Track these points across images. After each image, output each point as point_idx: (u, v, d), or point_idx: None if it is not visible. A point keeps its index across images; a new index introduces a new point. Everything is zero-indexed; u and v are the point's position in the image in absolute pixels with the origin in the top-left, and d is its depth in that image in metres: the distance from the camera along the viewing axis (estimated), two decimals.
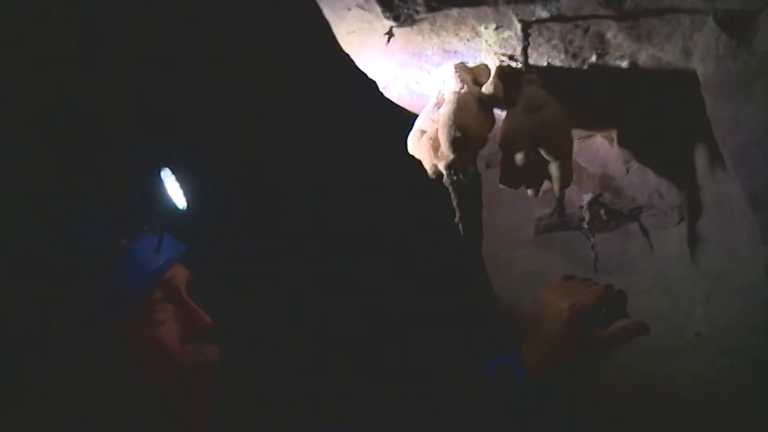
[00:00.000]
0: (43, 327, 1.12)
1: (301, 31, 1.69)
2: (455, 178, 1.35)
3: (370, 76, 1.52)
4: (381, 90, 1.55)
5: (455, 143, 1.31)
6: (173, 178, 1.36)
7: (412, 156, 1.45)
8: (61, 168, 1.34)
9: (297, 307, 1.87)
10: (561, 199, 1.40)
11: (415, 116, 1.62)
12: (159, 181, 1.33)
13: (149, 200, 1.30)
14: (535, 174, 1.40)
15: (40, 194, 1.28)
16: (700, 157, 1.40)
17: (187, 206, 1.37)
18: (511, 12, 1.24)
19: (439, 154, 1.39)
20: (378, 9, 1.30)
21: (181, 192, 1.37)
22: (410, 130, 1.47)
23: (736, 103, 1.08)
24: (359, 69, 1.51)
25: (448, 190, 1.42)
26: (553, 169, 1.39)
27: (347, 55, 1.48)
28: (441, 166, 1.39)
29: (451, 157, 1.34)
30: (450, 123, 1.32)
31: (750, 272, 1.22)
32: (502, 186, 1.43)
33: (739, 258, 1.24)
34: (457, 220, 1.42)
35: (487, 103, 1.38)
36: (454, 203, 1.42)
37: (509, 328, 1.82)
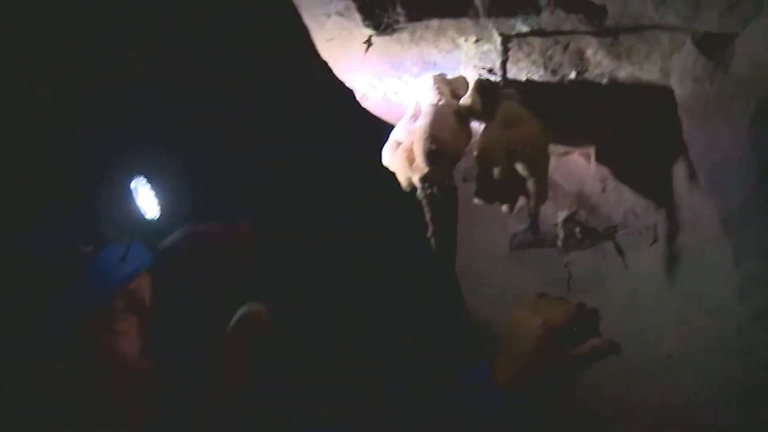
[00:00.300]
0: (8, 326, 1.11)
1: (280, 38, 1.67)
2: (429, 191, 1.34)
3: (348, 84, 1.51)
4: (358, 99, 1.54)
5: (431, 156, 1.30)
6: (148, 187, 1.36)
7: (387, 167, 1.45)
8: (29, 172, 1.32)
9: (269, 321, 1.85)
10: (536, 216, 1.39)
11: (391, 127, 1.63)
12: (130, 190, 1.32)
13: (119, 209, 1.30)
14: (510, 190, 1.39)
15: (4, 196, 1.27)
16: (677, 177, 1.40)
17: (160, 216, 1.37)
18: (491, 25, 1.24)
19: (413, 166, 1.38)
20: (358, 17, 1.29)
21: (155, 201, 1.37)
22: (385, 141, 1.47)
23: (712, 125, 1.08)
24: (336, 77, 1.50)
25: (421, 203, 1.41)
26: (529, 185, 1.38)
27: (325, 62, 1.47)
28: (415, 179, 1.38)
29: (426, 170, 1.32)
30: (426, 135, 1.30)
31: (722, 294, 1.21)
32: (477, 201, 1.42)
33: (712, 280, 1.24)
34: (429, 234, 1.41)
35: (464, 116, 1.37)
36: (427, 217, 1.40)
37: (481, 344, 1.81)
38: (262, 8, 1.66)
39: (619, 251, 1.64)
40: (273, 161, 1.90)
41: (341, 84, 1.50)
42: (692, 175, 1.32)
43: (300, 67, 1.60)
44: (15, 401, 1.11)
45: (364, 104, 1.55)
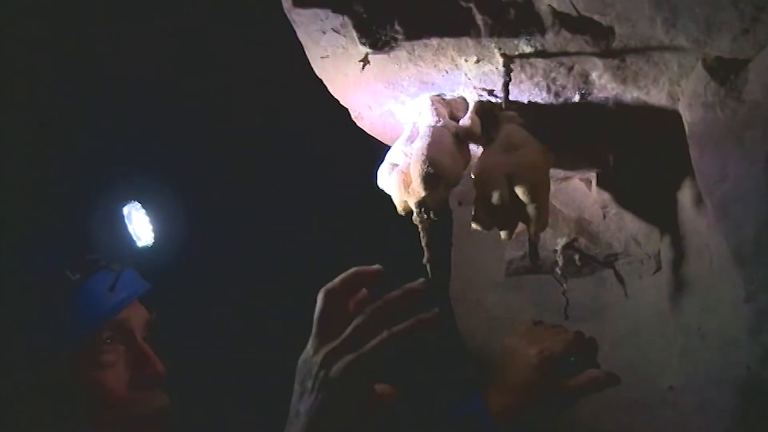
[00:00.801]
0: None
1: (273, 54, 1.63)
2: (426, 216, 1.29)
3: (343, 103, 1.47)
4: (353, 118, 1.50)
5: (428, 179, 1.25)
6: (143, 212, 1.32)
7: (381, 190, 1.40)
8: (14, 193, 1.28)
9: (265, 351, 1.81)
10: (536, 243, 1.35)
11: (385, 148, 1.58)
12: (122, 216, 1.28)
13: (111, 234, 1.25)
14: (509, 216, 1.35)
15: None
16: (683, 205, 1.36)
17: (155, 242, 1.33)
18: (493, 45, 1.20)
19: (409, 189, 1.33)
20: (354, 34, 1.24)
21: (149, 227, 1.33)
22: (380, 163, 1.42)
23: (724, 153, 1.04)
24: (331, 96, 1.45)
25: (416, 227, 1.37)
26: (529, 211, 1.34)
27: (319, 80, 1.43)
28: (411, 203, 1.33)
29: (423, 193, 1.27)
30: (423, 158, 1.26)
31: (731, 329, 1.17)
32: (474, 227, 1.37)
33: (720, 313, 1.20)
34: (425, 260, 1.36)
35: (463, 139, 1.33)
36: (423, 242, 1.35)
37: (475, 373, 1.76)
38: (256, 26, 1.63)
39: (620, 280, 1.60)
40: (266, 183, 1.87)
41: (335, 103, 1.46)
42: (699, 203, 1.28)
43: (294, 87, 1.56)
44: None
45: (359, 124, 1.50)
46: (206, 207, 1.75)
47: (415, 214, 1.33)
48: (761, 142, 0.99)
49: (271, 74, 1.76)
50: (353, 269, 1.00)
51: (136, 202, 1.31)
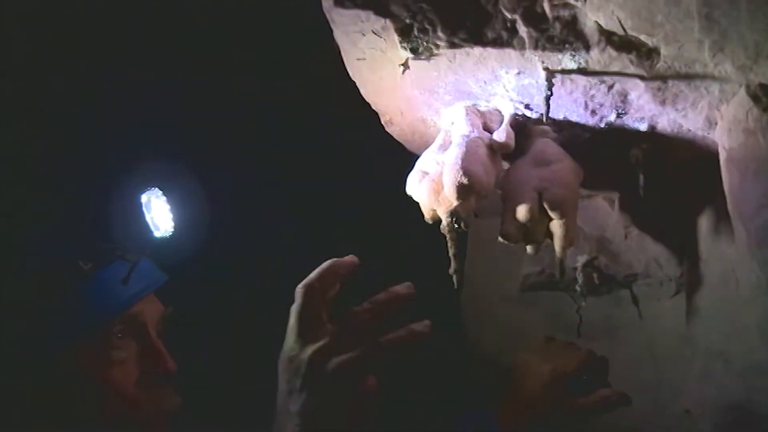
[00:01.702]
0: None
1: (307, 53, 1.64)
2: (456, 226, 1.30)
3: (374, 107, 1.47)
4: (383, 123, 1.51)
5: (461, 189, 1.26)
6: (163, 200, 1.28)
7: (409, 197, 1.40)
8: (28, 178, 1.25)
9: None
10: (563, 260, 1.36)
11: (410, 155, 1.59)
12: (140, 204, 1.23)
13: (128, 223, 1.21)
14: (537, 230, 1.37)
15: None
16: (707, 230, 1.38)
17: (174, 232, 1.29)
18: (536, 58, 1.21)
19: (440, 198, 1.34)
20: (395, 38, 1.26)
21: (170, 216, 1.29)
22: (408, 170, 1.43)
23: (766, 180, 1.07)
24: (363, 98, 1.46)
25: (444, 237, 1.37)
26: (556, 227, 1.36)
27: (353, 82, 1.44)
28: (441, 212, 1.35)
29: (455, 203, 1.29)
30: (457, 168, 1.27)
31: (755, 355, 1.19)
32: (501, 240, 1.39)
33: (746, 339, 1.22)
34: (451, 271, 1.37)
35: (496, 151, 1.35)
36: (450, 252, 1.37)
37: (485, 385, 1.77)
38: (292, 22, 1.63)
39: (635, 301, 1.62)
40: (289, 180, 1.86)
41: (367, 106, 1.47)
42: (724, 227, 1.30)
43: (325, 86, 1.57)
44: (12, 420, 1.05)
45: (388, 129, 1.51)
46: (230, 197, 1.73)
47: (444, 222, 1.34)
48: None
49: (302, 68, 1.77)
50: (329, 262, 0.96)
51: (158, 190, 1.27)
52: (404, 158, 1.56)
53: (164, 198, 1.27)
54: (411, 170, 1.38)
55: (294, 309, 0.92)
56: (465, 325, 1.87)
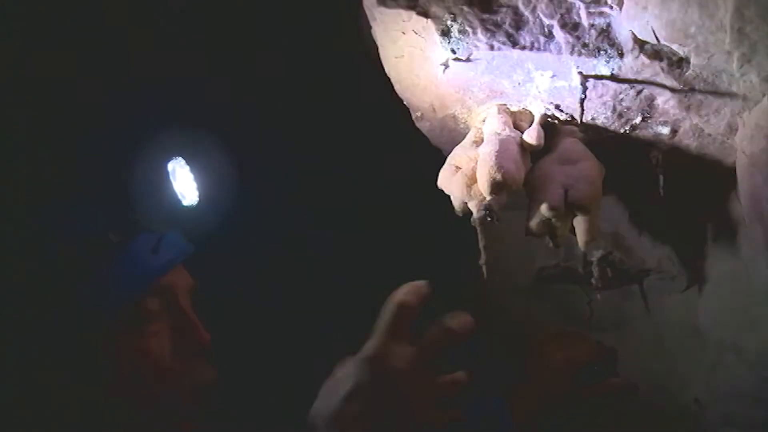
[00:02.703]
0: (22, 324, 1.04)
1: (343, 45, 1.70)
2: (489, 219, 1.39)
3: (406, 103, 1.56)
4: (413, 119, 1.59)
5: (496, 185, 1.35)
6: (187, 169, 1.26)
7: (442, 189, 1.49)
8: (55, 153, 1.21)
9: (302, 324, 1.85)
10: (586, 253, 1.46)
11: (436, 151, 1.68)
12: (167, 173, 1.22)
13: (154, 193, 1.19)
14: (561, 225, 1.46)
15: (27, 180, 1.16)
16: (720, 228, 1.49)
17: (199, 202, 1.27)
18: (572, 63, 1.31)
19: (472, 192, 1.43)
20: (437, 39, 1.34)
21: (194, 185, 1.27)
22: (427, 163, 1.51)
23: None
24: (396, 94, 1.54)
25: (474, 228, 1.46)
26: (580, 222, 1.45)
27: (388, 78, 1.52)
28: (472, 205, 1.43)
29: (489, 198, 1.38)
30: (492, 164, 1.35)
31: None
32: (527, 234, 1.48)
33: (757, 332, 1.33)
34: (482, 261, 1.46)
35: (526, 149, 1.44)
36: (481, 244, 1.46)
37: (497, 373, 1.86)
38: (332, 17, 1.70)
39: (643, 294, 1.72)
40: (316, 163, 1.92)
41: (399, 101, 1.55)
42: (738, 227, 1.41)
43: (360, 79, 1.64)
44: (33, 403, 1.05)
45: (418, 124, 1.59)
46: (254, 168, 1.76)
47: (475, 215, 1.43)
48: None
49: (338, 59, 1.84)
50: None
51: (181, 159, 1.25)
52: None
53: (188, 167, 1.26)
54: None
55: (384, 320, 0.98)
56: (479, 315, 1.96)
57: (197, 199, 1.28)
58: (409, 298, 1.00)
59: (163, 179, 1.22)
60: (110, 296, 1.08)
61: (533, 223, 1.47)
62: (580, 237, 1.45)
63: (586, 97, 1.33)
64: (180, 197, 1.25)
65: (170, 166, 1.24)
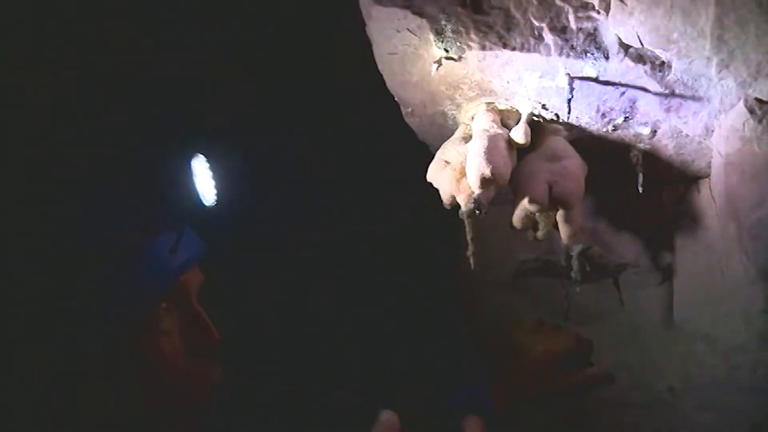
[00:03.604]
0: (43, 324, 1.04)
1: (338, 41, 1.77)
2: (478, 212, 1.47)
3: (398, 99, 1.63)
4: (403, 114, 1.66)
5: (484, 179, 1.43)
6: (207, 167, 1.27)
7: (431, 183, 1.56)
8: (78, 151, 1.21)
9: (304, 317, 1.91)
10: (569, 247, 1.55)
11: (422, 146, 1.76)
12: (189, 171, 1.23)
13: (176, 192, 1.20)
14: (545, 219, 1.55)
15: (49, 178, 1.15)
16: (695, 224, 1.58)
17: (217, 201, 1.28)
18: (561, 64, 1.39)
19: (461, 186, 1.51)
20: (430, 37, 1.41)
21: (212, 184, 1.28)
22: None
23: (763, 182, 1.27)
24: (387, 90, 1.61)
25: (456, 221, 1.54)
26: (564, 217, 1.54)
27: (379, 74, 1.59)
28: (460, 198, 1.51)
29: (478, 191, 1.46)
30: (481, 159, 1.43)
31: (740, 337, 1.41)
32: (512, 227, 1.57)
33: (731, 324, 1.43)
34: (469, 253, 1.54)
35: (513, 146, 1.52)
36: (469, 237, 1.54)
37: (478, 363, 1.93)
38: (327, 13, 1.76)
39: (617, 287, 1.82)
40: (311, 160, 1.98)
41: (390, 97, 1.62)
42: (716, 226, 1.51)
43: (352, 74, 1.70)
44: (48, 403, 1.06)
45: (408, 119, 1.67)
46: (272, 166, 1.80)
47: (463, 207, 1.50)
48: None
49: (334, 54, 1.91)
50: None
51: (202, 156, 1.26)
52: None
53: (208, 165, 1.27)
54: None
55: None
56: (460, 307, 2.04)
57: (215, 198, 1.29)
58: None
59: (185, 176, 1.22)
60: (135, 296, 1.08)
61: (518, 217, 1.56)
62: (563, 231, 1.54)
63: (573, 97, 1.41)
64: (200, 195, 1.26)
65: (193, 163, 1.25)
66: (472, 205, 1.46)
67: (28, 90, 1.35)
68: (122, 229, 1.10)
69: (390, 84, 1.59)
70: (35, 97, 1.34)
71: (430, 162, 1.57)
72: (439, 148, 1.60)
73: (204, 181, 1.27)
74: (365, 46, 1.55)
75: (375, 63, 1.56)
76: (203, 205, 1.26)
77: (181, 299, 1.16)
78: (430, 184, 1.59)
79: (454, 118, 1.61)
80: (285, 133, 1.96)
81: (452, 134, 1.61)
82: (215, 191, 1.29)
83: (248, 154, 1.54)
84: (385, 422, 1.02)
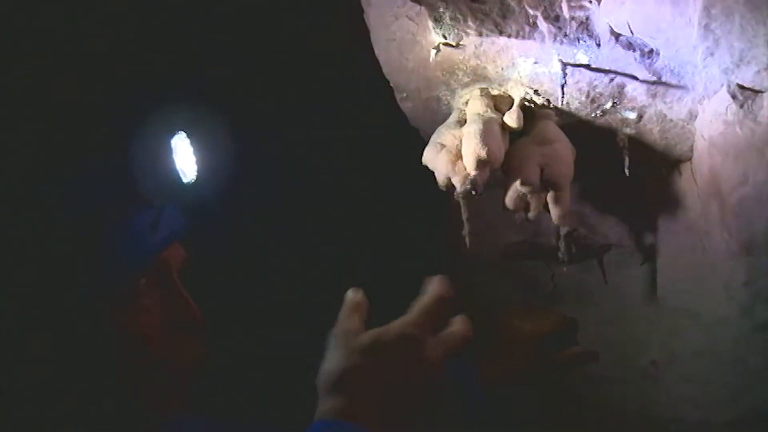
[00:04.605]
0: (20, 296, 1.05)
1: (337, 25, 1.84)
2: (474, 193, 1.56)
3: (393, 84, 1.71)
4: (398, 99, 1.74)
5: (480, 161, 1.52)
6: (187, 143, 1.27)
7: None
8: (55, 126, 1.18)
9: (289, 297, 1.97)
10: (559, 227, 1.66)
11: (414, 131, 1.85)
12: (170, 148, 1.23)
13: (157, 167, 1.20)
14: (536, 200, 1.65)
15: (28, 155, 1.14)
16: (677, 205, 1.70)
17: (198, 178, 1.27)
18: (554, 51, 1.49)
19: (456, 168, 1.60)
20: (429, 24, 1.50)
21: (193, 160, 1.28)
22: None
23: (745, 162, 1.39)
24: (383, 75, 1.70)
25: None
26: (553, 198, 1.64)
27: (376, 60, 1.67)
28: (456, 180, 1.60)
29: (473, 173, 1.55)
30: (477, 141, 1.52)
31: (722, 311, 1.52)
32: (504, 209, 1.66)
33: (713, 298, 1.54)
34: (465, 232, 1.63)
35: (506, 129, 1.61)
36: (464, 216, 1.63)
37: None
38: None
39: (602, 268, 1.93)
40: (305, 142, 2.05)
41: (386, 82, 1.70)
42: (697, 205, 1.62)
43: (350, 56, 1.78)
44: (28, 377, 1.07)
45: (402, 104, 1.75)
46: (254, 142, 1.86)
47: (458, 188, 1.58)
48: None
49: (331, 37, 1.98)
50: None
51: (183, 133, 1.26)
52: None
53: (188, 142, 1.27)
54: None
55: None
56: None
57: (196, 175, 1.28)
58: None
59: (165, 153, 1.22)
60: (110, 273, 1.10)
61: (510, 198, 1.66)
62: (554, 212, 1.64)
63: (565, 82, 1.51)
64: (180, 173, 1.25)
65: (173, 140, 1.25)
66: (468, 186, 1.55)
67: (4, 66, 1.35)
68: (102, 202, 1.11)
69: (386, 70, 1.68)
70: (14, 70, 1.34)
71: (415, 145, 1.67)
72: (430, 133, 1.69)
73: (185, 158, 1.27)
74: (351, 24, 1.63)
75: (350, 41, 1.65)
76: (183, 182, 1.26)
77: (163, 276, 1.18)
78: (418, 166, 1.68)
79: (448, 103, 1.70)
80: (268, 111, 2.02)
81: (444, 119, 1.70)
82: (196, 169, 1.29)
83: (230, 132, 1.58)
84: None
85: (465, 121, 1.62)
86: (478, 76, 1.61)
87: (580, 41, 1.47)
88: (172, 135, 1.25)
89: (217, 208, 1.49)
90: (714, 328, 1.57)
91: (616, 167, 1.68)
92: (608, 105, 1.59)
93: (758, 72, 1.39)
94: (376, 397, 0.98)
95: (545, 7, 1.46)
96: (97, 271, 1.09)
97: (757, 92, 1.42)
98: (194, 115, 1.32)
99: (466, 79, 1.62)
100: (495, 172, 1.63)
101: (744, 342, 1.51)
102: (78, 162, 1.14)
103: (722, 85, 1.45)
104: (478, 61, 1.56)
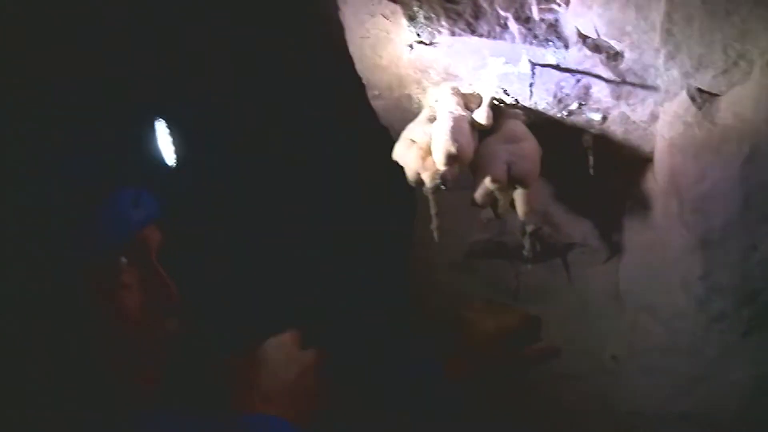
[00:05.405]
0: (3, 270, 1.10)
1: (311, 23, 1.89)
2: (443, 188, 1.63)
3: (365, 81, 1.77)
4: (369, 97, 1.81)
5: (450, 156, 1.59)
6: (166, 129, 1.35)
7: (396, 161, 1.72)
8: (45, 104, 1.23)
9: (264, 287, 2.01)
10: (525, 224, 1.73)
11: (383, 129, 1.92)
12: (152, 131, 1.31)
13: (139, 150, 1.28)
14: (503, 197, 1.72)
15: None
16: (637, 204, 1.79)
17: (176, 163, 1.35)
18: (524, 52, 1.57)
19: (426, 164, 1.67)
20: (403, 22, 1.57)
21: (171, 146, 1.35)
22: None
23: (703, 161, 1.48)
24: (356, 73, 1.76)
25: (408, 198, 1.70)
26: (520, 195, 1.72)
27: (350, 57, 1.73)
28: (425, 175, 1.67)
29: (443, 169, 1.62)
30: (447, 138, 1.59)
31: (680, 305, 1.61)
32: (472, 205, 1.74)
33: (671, 292, 1.64)
34: (433, 227, 1.70)
35: (476, 127, 1.69)
36: (433, 212, 1.70)
37: (429, 340, 2.09)
38: None
39: (566, 266, 2.02)
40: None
41: (358, 80, 1.76)
42: (657, 204, 1.72)
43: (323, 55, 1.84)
44: (8, 349, 1.10)
45: (374, 102, 1.82)
46: (231, 125, 1.90)
47: (428, 183, 1.66)
48: (736, 154, 1.44)
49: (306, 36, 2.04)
50: None
51: (162, 120, 1.33)
52: None
53: (165, 124, 1.35)
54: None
55: None
56: (411, 286, 2.20)
57: (173, 160, 1.36)
58: None
59: (149, 136, 1.30)
60: (92, 246, 1.14)
61: (478, 194, 1.73)
62: (520, 208, 1.72)
63: (534, 82, 1.59)
64: (161, 155, 1.33)
65: (156, 124, 1.33)
66: (438, 181, 1.62)
67: None
68: (86, 177, 1.16)
69: (359, 67, 1.74)
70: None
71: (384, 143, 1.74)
72: (401, 131, 1.76)
73: (164, 143, 1.35)
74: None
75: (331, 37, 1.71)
76: (164, 165, 1.34)
77: (141, 254, 1.23)
78: (390, 163, 1.74)
79: (419, 101, 1.77)
80: (248, 100, 2.07)
81: (414, 117, 1.77)
82: (175, 154, 1.36)
83: (210, 120, 1.63)
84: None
85: (435, 119, 1.69)
86: (449, 75, 1.68)
87: (549, 42, 1.55)
88: (156, 119, 1.33)
89: (192, 194, 1.55)
90: (672, 322, 1.66)
91: (581, 167, 1.77)
92: (574, 106, 1.68)
93: (715, 76, 1.50)
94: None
95: (516, 8, 1.54)
96: (81, 243, 1.13)
97: (714, 95, 1.53)
98: (174, 105, 1.40)
99: (437, 78, 1.70)
100: (463, 170, 1.71)
101: (701, 334, 1.60)
102: (64, 139, 1.18)
103: (682, 88, 1.55)
104: (451, 60, 1.64)
